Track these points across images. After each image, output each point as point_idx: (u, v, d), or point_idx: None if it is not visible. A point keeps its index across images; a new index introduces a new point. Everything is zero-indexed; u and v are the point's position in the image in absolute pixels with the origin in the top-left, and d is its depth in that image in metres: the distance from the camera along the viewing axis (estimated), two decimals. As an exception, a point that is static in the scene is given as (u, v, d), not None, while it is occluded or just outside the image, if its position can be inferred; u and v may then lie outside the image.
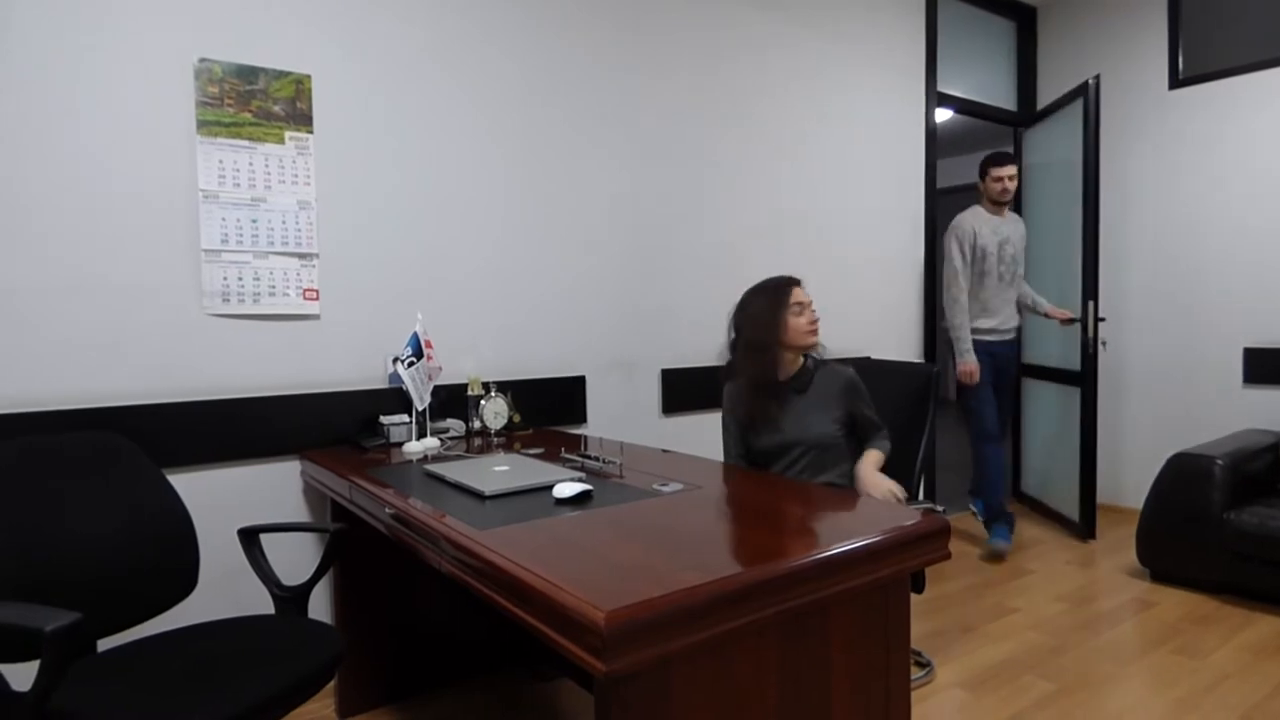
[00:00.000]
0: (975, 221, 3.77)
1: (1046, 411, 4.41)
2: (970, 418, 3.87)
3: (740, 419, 2.34)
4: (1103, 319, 4.12)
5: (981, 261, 3.76)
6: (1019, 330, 3.99)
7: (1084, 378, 3.90)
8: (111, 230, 2.10)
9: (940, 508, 1.79)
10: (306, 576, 1.87)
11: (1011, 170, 3.78)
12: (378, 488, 1.79)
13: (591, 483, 1.72)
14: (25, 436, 1.79)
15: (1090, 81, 3.84)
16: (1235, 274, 4.05)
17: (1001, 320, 3.83)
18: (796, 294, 2.26)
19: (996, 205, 3.82)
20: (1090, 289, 3.83)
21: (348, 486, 1.94)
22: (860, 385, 2.34)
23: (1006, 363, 3.91)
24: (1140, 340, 4.41)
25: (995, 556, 3.71)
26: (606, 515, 1.50)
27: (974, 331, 3.76)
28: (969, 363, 3.70)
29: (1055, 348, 4.23)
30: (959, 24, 4.42)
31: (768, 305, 2.26)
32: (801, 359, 2.33)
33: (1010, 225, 3.84)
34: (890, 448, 2.30)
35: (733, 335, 2.35)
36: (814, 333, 2.26)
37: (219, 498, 2.23)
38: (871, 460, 2.23)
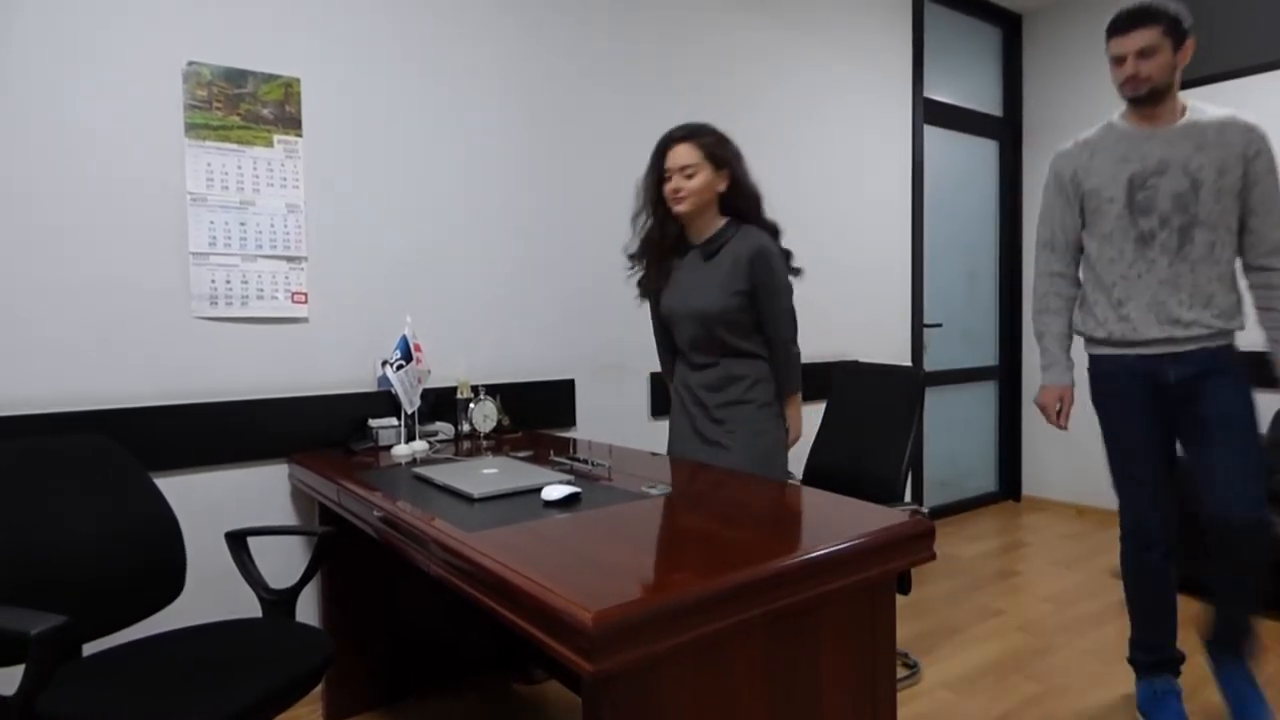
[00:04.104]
0: (1088, 146, 2.22)
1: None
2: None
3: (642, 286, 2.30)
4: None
5: (1096, 214, 2.19)
6: (1220, 335, 2.11)
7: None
8: (99, 233, 2.09)
9: (925, 510, 1.80)
10: (294, 580, 1.87)
11: (1139, 41, 2.04)
12: (366, 491, 1.79)
13: (580, 485, 1.72)
14: (11, 439, 1.78)
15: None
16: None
17: (1142, 318, 2.12)
18: (673, 155, 2.11)
19: (1137, 107, 2.13)
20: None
21: (336, 490, 1.94)
22: (769, 259, 2.10)
23: (1176, 391, 2.13)
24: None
25: None
26: (595, 517, 1.51)
27: (1092, 342, 2.26)
28: (1045, 388, 2.32)
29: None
30: (946, 31, 4.46)
31: (649, 167, 2.17)
32: (723, 218, 2.17)
33: (1172, 141, 2.09)
34: (796, 379, 2.21)
35: None
36: (679, 201, 2.10)
37: (206, 501, 2.23)
38: (793, 415, 2.23)
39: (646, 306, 2.37)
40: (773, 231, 2.21)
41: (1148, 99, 2.09)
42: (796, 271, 2.23)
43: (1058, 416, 2.31)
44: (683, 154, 2.10)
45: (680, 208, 2.11)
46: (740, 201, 2.16)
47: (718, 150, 2.12)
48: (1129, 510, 2.25)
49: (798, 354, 2.22)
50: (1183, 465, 2.21)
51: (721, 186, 2.13)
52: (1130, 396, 2.20)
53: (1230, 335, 2.14)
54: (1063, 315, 2.30)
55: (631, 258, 2.28)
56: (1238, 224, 2.11)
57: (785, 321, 2.17)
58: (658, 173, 2.15)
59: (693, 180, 2.09)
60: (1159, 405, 2.17)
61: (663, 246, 2.22)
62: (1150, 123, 2.13)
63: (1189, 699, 2.26)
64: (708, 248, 2.16)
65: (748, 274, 2.09)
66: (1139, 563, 2.25)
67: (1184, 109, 2.13)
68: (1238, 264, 2.16)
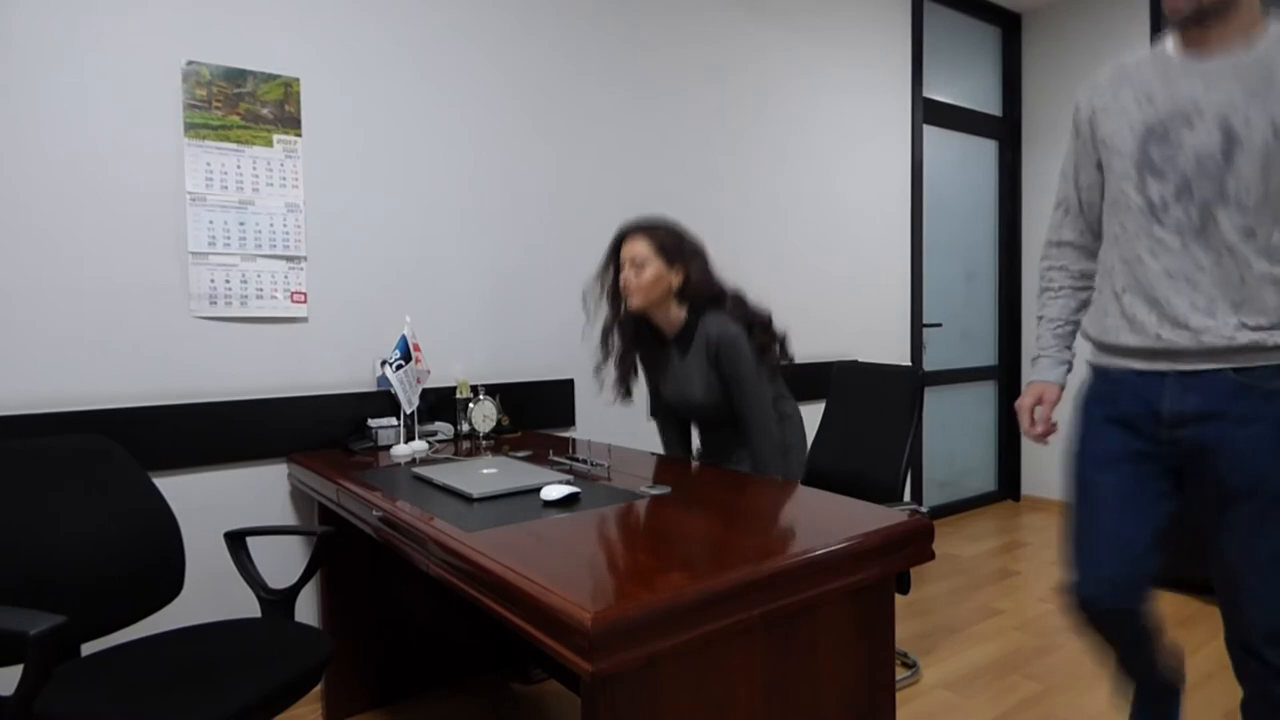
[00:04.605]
0: (1117, 77, 1.57)
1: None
2: None
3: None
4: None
5: (1107, 172, 1.59)
6: (1259, 351, 1.42)
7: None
8: (98, 233, 2.09)
9: (924, 509, 1.80)
10: (293, 580, 1.86)
11: None
12: (365, 490, 1.79)
13: (579, 485, 1.72)
14: (11, 439, 1.78)
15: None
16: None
17: (1138, 315, 1.51)
18: (626, 247, 2.12)
19: (1185, 31, 1.48)
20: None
21: (335, 489, 1.94)
22: (730, 348, 2.04)
23: (1174, 431, 1.50)
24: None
25: None
26: (594, 517, 1.51)
27: (1101, 348, 1.62)
28: (1030, 388, 1.74)
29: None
30: (944, 30, 4.46)
31: (605, 257, 2.20)
32: (684, 311, 2.15)
33: (1217, 79, 1.42)
34: (785, 467, 2.09)
35: None
36: (628, 295, 2.11)
37: (205, 501, 2.23)
38: None
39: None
40: (746, 319, 2.15)
41: (1195, 20, 1.42)
42: (781, 350, 2.19)
43: (1033, 424, 1.70)
44: (635, 247, 2.10)
45: (631, 301, 2.12)
46: (696, 296, 2.14)
47: (670, 244, 2.11)
48: (1069, 561, 1.62)
49: (778, 440, 2.11)
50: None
51: (675, 281, 2.11)
52: (1101, 432, 1.58)
53: (1270, 356, 1.40)
54: (1064, 296, 1.73)
55: (605, 353, 2.25)
56: None
57: (757, 412, 2.09)
58: (614, 264, 2.17)
59: (643, 274, 2.08)
60: (1146, 452, 1.52)
61: (628, 337, 2.22)
62: (1200, 51, 1.44)
63: (1188, 699, 2.26)
64: (681, 341, 2.17)
65: (716, 365, 2.10)
66: (1079, 621, 1.65)
67: (1261, 34, 1.40)
68: None
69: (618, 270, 2.16)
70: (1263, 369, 1.41)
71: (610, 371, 2.25)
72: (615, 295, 2.19)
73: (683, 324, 2.16)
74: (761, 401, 2.09)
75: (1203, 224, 1.42)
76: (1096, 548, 1.57)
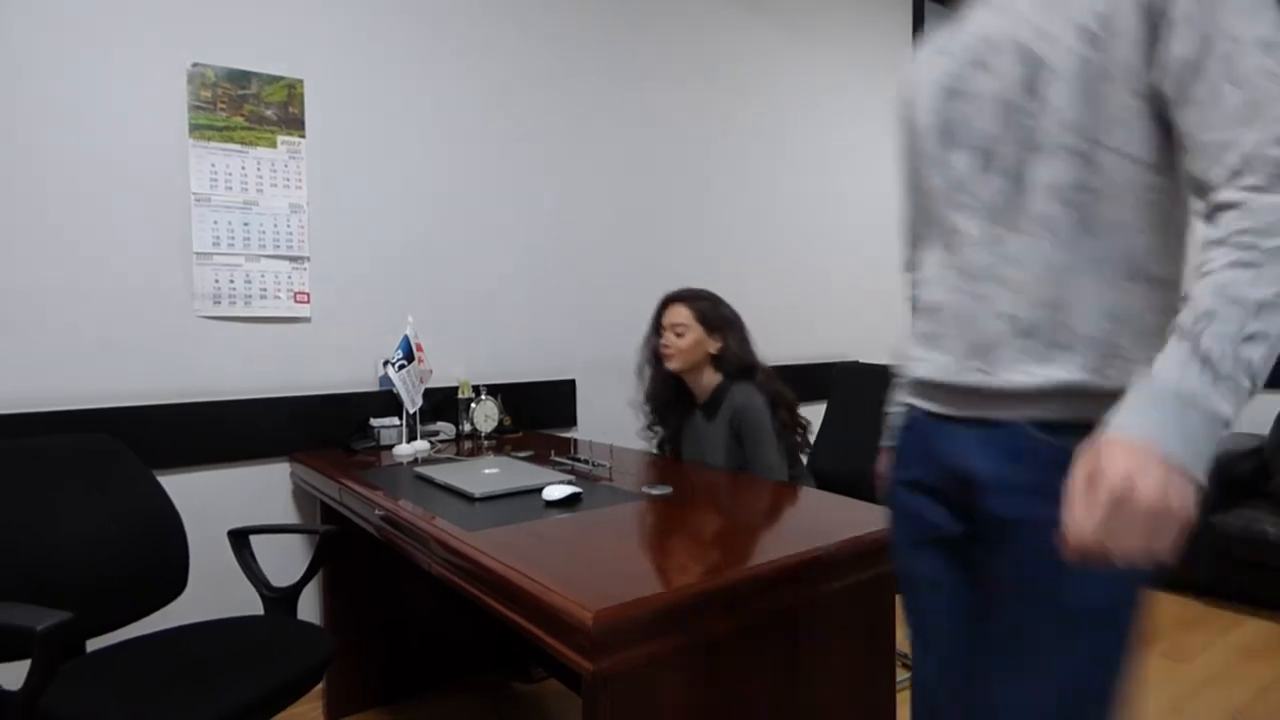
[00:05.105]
0: (927, 44, 1.13)
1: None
2: None
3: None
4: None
5: (917, 164, 1.11)
6: (1075, 398, 0.90)
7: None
8: (104, 233, 2.10)
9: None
10: (296, 578, 1.87)
11: None
12: (367, 490, 1.80)
13: (581, 485, 1.73)
14: (15, 438, 1.79)
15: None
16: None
17: (964, 346, 0.99)
18: (668, 314, 2.24)
19: None
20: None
21: (337, 488, 1.95)
22: (751, 420, 2.12)
23: (1000, 536, 0.95)
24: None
25: None
26: (596, 517, 1.51)
27: (902, 385, 1.14)
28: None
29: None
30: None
31: (651, 324, 2.30)
32: (718, 378, 2.23)
33: (1008, 2, 0.97)
34: None
35: None
36: (668, 357, 2.20)
37: (209, 499, 2.23)
38: None
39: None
40: (772, 395, 2.19)
41: None
42: (801, 434, 2.23)
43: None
44: (676, 313, 2.21)
45: (669, 364, 2.21)
46: (730, 366, 2.21)
47: (710, 314, 2.21)
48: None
49: None
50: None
51: (713, 349, 2.21)
52: (904, 504, 1.10)
53: (1104, 404, 0.84)
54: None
55: (649, 416, 2.38)
56: (1154, 138, 0.89)
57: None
58: (657, 328, 2.27)
59: (682, 339, 2.19)
60: (952, 531, 1.03)
61: (665, 399, 2.32)
62: None
63: (1191, 701, 2.25)
64: (708, 406, 2.24)
65: (738, 434, 2.15)
66: None
67: None
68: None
69: (659, 334, 2.25)
70: (1066, 425, 0.89)
71: (659, 430, 2.38)
72: (657, 358, 2.27)
73: (713, 390, 2.23)
74: (775, 475, 2.12)
75: (1013, 196, 0.97)
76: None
